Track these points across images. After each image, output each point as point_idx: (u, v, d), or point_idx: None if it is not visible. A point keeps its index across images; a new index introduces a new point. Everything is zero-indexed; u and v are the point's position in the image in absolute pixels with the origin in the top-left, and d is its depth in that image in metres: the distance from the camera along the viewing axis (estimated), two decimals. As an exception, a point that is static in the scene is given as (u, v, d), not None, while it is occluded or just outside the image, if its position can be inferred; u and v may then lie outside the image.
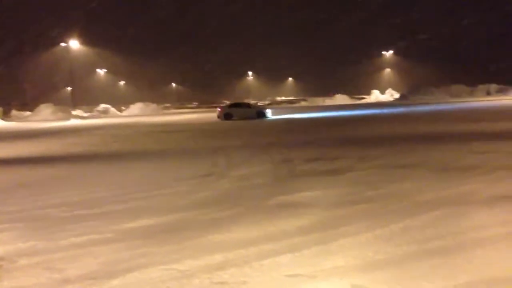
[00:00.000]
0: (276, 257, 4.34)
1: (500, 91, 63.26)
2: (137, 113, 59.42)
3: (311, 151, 12.12)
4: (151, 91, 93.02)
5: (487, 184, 7.00)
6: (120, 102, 73.17)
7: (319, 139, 15.58)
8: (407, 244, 4.51)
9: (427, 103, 46.48)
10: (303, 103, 74.96)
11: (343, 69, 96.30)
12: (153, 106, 65.99)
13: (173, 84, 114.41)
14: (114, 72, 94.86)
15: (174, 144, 16.54)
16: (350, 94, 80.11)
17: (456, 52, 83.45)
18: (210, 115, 37.11)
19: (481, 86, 67.64)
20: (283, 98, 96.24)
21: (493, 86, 65.99)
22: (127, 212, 6.34)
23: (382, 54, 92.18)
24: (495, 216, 5.27)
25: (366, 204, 6.16)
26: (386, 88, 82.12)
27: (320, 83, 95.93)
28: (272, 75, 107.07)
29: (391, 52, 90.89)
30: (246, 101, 47.77)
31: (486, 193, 6.47)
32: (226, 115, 31.38)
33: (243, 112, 31.58)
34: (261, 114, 31.73)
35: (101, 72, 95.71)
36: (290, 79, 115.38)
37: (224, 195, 7.34)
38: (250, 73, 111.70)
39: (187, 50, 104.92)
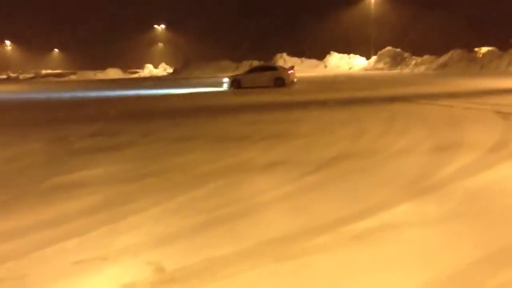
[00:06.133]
0: (59, 243, 3.94)
1: (260, 67, 70.18)
2: None
3: (89, 127, 11.41)
4: None
5: (261, 152, 7.62)
6: None
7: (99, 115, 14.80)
8: (196, 215, 4.59)
9: (199, 77, 48.36)
10: (72, 77, 70.11)
11: (113, 42, 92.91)
12: None
13: None
14: None
15: None
16: (123, 68, 78.05)
17: (226, 29, 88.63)
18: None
19: (245, 62, 73.58)
20: (49, 71, 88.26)
21: (255, 62, 72.54)
22: None
23: (153, 28, 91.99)
24: (271, 180, 5.76)
25: (151, 179, 6.07)
26: (159, 63, 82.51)
27: (89, 56, 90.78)
28: (35, 45, 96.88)
29: (163, 26, 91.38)
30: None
31: (261, 160, 7.04)
32: None
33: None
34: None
35: None
36: (56, 50, 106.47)
37: (-13, 180, 6.37)
38: (8, 42, 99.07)
39: None
